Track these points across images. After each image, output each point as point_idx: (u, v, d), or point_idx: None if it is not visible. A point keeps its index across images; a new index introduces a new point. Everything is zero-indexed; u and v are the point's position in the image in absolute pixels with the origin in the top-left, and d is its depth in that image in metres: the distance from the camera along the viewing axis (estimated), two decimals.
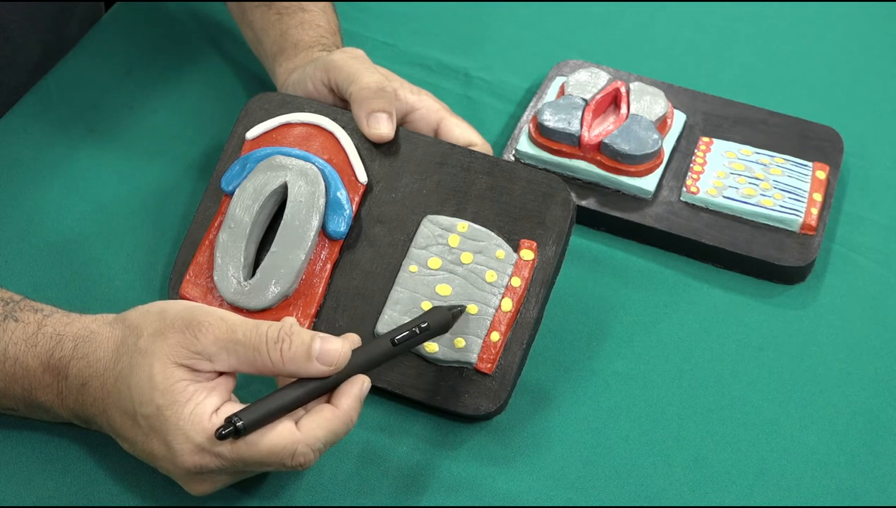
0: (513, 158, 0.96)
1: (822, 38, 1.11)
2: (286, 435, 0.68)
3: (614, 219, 0.92)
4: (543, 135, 0.94)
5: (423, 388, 0.79)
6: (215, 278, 0.82)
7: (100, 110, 1.01)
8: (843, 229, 0.93)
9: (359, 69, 0.87)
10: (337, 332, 0.78)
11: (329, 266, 0.83)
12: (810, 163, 0.94)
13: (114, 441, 0.74)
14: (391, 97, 0.86)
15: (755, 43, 1.11)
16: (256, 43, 0.99)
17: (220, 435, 0.67)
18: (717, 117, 0.98)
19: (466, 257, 0.82)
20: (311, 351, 0.69)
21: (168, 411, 0.68)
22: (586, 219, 0.92)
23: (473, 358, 0.79)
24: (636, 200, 0.92)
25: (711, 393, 0.82)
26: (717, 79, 1.06)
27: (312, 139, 0.86)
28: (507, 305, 0.80)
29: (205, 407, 0.68)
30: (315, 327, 0.82)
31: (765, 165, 0.93)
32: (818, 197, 0.91)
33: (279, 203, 0.85)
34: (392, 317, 0.81)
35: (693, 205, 0.92)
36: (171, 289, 0.85)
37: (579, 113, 0.94)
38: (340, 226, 0.83)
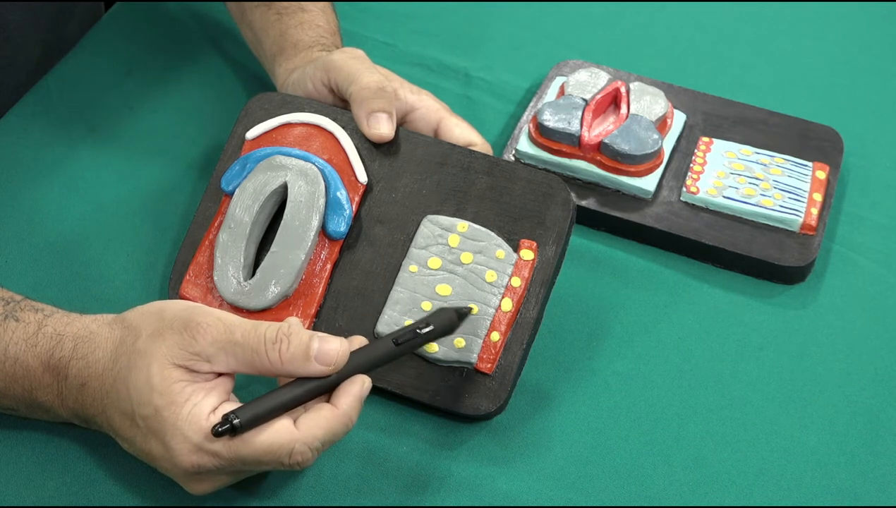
0: (513, 158, 0.96)
1: (822, 38, 1.11)
2: (284, 434, 0.68)
3: (614, 219, 0.92)
4: (543, 135, 0.94)
5: (424, 388, 0.79)
6: (215, 278, 0.82)
7: (100, 110, 1.01)
8: (843, 229, 0.93)
9: (359, 69, 0.87)
10: (337, 332, 0.78)
11: (329, 266, 0.83)
12: (810, 163, 0.94)
13: (114, 442, 0.74)
14: (391, 97, 0.86)
15: (755, 43, 1.11)
16: (256, 43, 0.99)
17: (217, 432, 0.67)
18: (717, 117, 0.98)
19: (466, 257, 0.82)
20: (310, 352, 0.69)
21: (166, 412, 0.68)
22: (586, 219, 0.92)
23: (473, 358, 0.79)
24: (636, 200, 0.92)
25: (711, 393, 0.82)
26: (717, 79, 1.06)
27: (312, 139, 0.86)
28: (507, 305, 0.80)
29: (202, 408, 0.68)
30: (315, 327, 0.82)
31: (765, 165, 0.93)
32: (818, 197, 0.91)
33: (279, 203, 0.85)
34: (392, 317, 0.81)
35: (693, 205, 0.92)
36: (171, 289, 0.85)
37: (579, 113, 0.94)
38: (340, 226, 0.83)
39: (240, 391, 0.74)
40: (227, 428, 0.67)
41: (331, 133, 0.87)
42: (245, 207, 0.83)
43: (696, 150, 0.95)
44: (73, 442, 0.78)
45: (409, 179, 0.85)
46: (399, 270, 0.82)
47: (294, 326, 0.70)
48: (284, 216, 0.83)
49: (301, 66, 0.92)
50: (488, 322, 0.80)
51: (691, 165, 0.94)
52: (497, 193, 0.84)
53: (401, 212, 0.84)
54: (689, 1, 1.14)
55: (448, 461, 0.78)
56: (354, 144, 0.86)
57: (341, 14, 1.02)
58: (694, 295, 0.89)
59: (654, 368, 0.84)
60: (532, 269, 0.81)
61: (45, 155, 0.97)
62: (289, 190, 0.83)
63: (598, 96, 0.95)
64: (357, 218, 0.85)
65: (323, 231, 0.83)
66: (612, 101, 0.96)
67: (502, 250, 0.82)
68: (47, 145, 0.98)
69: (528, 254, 0.82)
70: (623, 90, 0.96)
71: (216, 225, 0.85)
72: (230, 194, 0.85)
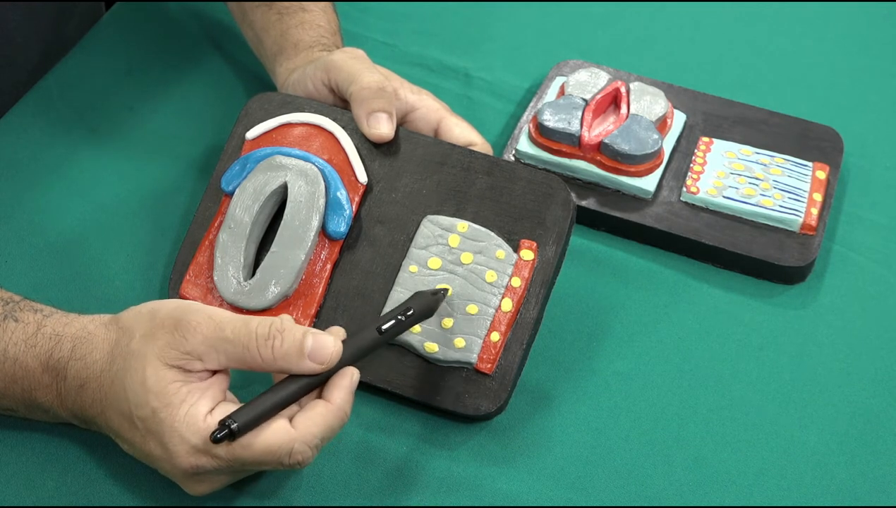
0: (513, 158, 0.96)
1: (822, 38, 1.11)
2: (281, 434, 0.68)
3: (614, 219, 0.92)
4: (543, 135, 0.94)
5: (423, 388, 0.79)
6: (215, 278, 0.82)
7: (100, 110, 1.01)
8: (843, 229, 0.93)
9: (359, 69, 0.87)
10: None
11: (329, 266, 0.83)
12: (810, 163, 0.94)
13: (114, 442, 0.74)
14: (391, 97, 0.86)
15: (755, 43, 1.10)
16: (257, 43, 0.99)
17: (215, 439, 0.67)
18: (717, 117, 0.98)
19: (466, 257, 0.82)
20: (304, 349, 0.69)
21: (163, 413, 0.68)
22: (586, 219, 0.92)
23: (473, 358, 0.79)
24: (636, 200, 0.92)
25: (711, 393, 0.82)
26: (717, 79, 1.06)
27: (312, 139, 0.86)
28: (507, 305, 0.80)
29: (199, 408, 0.68)
30: (315, 327, 0.82)
31: (765, 165, 0.93)
32: (818, 197, 0.91)
33: (279, 203, 0.85)
34: None
35: (693, 205, 0.92)
36: (171, 289, 0.85)
37: (579, 113, 0.94)
38: (340, 226, 0.83)
39: (240, 390, 0.74)
40: (226, 434, 0.67)
41: (331, 133, 0.87)
42: (245, 207, 0.83)
43: (696, 150, 0.95)
44: (73, 442, 0.78)
45: (409, 179, 0.85)
46: (399, 270, 0.82)
47: (287, 322, 0.70)
48: (284, 216, 0.83)
49: (301, 65, 0.92)
50: (488, 322, 0.80)
51: (691, 165, 0.94)
52: (497, 193, 0.84)
53: (401, 212, 0.84)
54: (689, 1, 1.14)
55: (448, 461, 0.78)
56: (354, 144, 0.86)
57: (342, 14, 1.02)
58: (694, 295, 0.89)
59: (654, 368, 0.84)
60: (532, 269, 0.81)
61: (45, 155, 0.97)
62: (289, 190, 0.83)
63: (598, 96, 0.95)
64: (357, 218, 0.85)
65: (323, 231, 0.83)
66: (612, 101, 0.96)
67: (502, 250, 0.82)
68: (47, 145, 0.98)
69: (528, 254, 0.82)
70: (623, 90, 0.96)
71: (216, 225, 0.85)
72: (230, 194, 0.85)
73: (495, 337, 0.80)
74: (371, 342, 0.73)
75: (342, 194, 0.84)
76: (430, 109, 0.89)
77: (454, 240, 0.83)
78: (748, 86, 1.05)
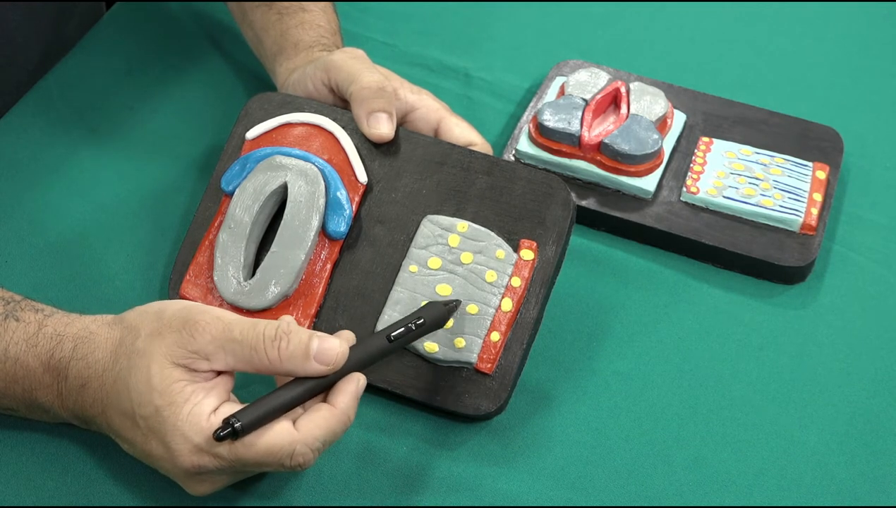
0: (513, 158, 0.96)
1: (822, 38, 1.11)
2: (284, 436, 0.68)
3: (614, 219, 0.92)
4: (543, 135, 0.94)
5: (423, 388, 0.79)
6: (215, 278, 0.82)
7: (100, 110, 1.01)
8: (843, 229, 0.93)
9: (359, 69, 0.87)
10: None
11: (329, 266, 0.83)
12: (810, 163, 0.94)
13: (114, 442, 0.74)
14: (391, 97, 0.86)
15: (755, 43, 1.11)
16: (257, 43, 0.99)
17: (218, 437, 0.67)
18: (717, 117, 0.98)
19: (466, 257, 0.82)
20: (309, 351, 0.69)
21: (166, 411, 0.68)
22: (586, 219, 0.92)
23: (473, 358, 0.79)
24: (636, 200, 0.92)
25: (711, 393, 0.82)
26: (717, 79, 1.06)
27: (312, 139, 0.86)
28: (507, 305, 0.80)
29: (203, 408, 0.68)
30: (315, 327, 0.82)
31: (765, 165, 0.93)
32: (818, 197, 0.91)
33: (279, 203, 0.85)
34: (392, 317, 0.81)
35: (693, 205, 0.92)
36: (171, 289, 0.85)
37: (579, 113, 0.94)
38: (340, 226, 0.83)
39: (240, 391, 0.74)
40: (229, 432, 0.67)
41: (331, 133, 0.87)
42: (245, 207, 0.83)
43: (696, 150, 0.95)
44: (73, 442, 0.78)
45: (409, 179, 0.85)
46: (399, 270, 0.82)
47: (292, 324, 0.70)
48: (284, 216, 0.83)
49: (301, 65, 0.92)
50: (488, 322, 0.80)
51: (691, 165, 0.94)
52: (497, 193, 0.84)
53: (401, 212, 0.84)
54: (689, 1, 1.14)
55: (448, 461, 0.78)
56: (354, 144, 0.86)
57: (342, 14, 1.02)
58: (694, 295, 0.89)
59: (654, 368, 0.84)
60: (532, 269, 0.81)
61: (45, 155, 0.97)
62: (289, 190, 0.83)
63: (598, 96, 0.95)
64: (357, 218, 0.85)
65: (323, 231, 0.83)
66: (612, 101, 0.96)
67: (502, 250, 0.82)
68: (47, 145, 0.98)
69: (528, 254, 0.82)
70: (623, 90, 0.96)
71: (216, 225, 0.85)
72: (230, 194, 0.85)
73: (495, 336, 0.80)
74: (379, 349, 0.73)
75: (342, 194, 0.84)
76: (430, 109, 0.89)
77: (454, 240, 0.83)
78: (748, 86, 1.05)
